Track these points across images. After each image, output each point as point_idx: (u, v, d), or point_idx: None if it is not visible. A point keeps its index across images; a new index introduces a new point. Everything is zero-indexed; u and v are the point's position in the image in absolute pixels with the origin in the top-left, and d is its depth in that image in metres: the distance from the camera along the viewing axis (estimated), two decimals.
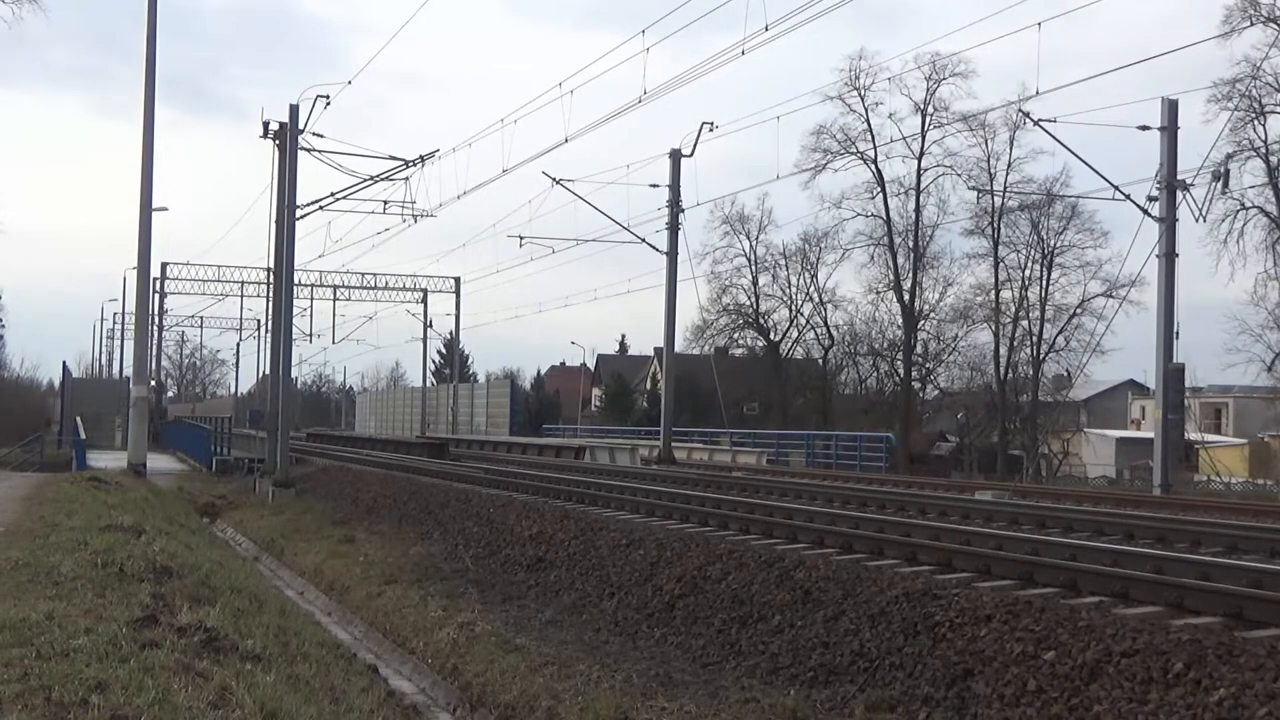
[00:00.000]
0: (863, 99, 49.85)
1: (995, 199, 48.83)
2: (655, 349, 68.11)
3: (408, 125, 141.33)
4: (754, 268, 57.75)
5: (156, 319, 56.05)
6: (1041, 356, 49.17)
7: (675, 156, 32.90)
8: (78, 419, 42.26)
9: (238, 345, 72.58)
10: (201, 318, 67.70)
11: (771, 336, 57.86)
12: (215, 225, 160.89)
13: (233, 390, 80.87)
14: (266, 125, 27.40)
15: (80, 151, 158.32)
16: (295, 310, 31.97)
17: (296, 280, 34.46)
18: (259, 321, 58.91)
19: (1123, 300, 41.36)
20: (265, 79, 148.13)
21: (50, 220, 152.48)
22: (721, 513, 14.52)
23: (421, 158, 27.80)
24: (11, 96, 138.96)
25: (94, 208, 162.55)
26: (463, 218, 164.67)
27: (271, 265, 30.46)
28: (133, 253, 26.77)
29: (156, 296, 53.41)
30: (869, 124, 50.13)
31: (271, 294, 31.78)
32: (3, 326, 64.37)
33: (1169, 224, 25.95)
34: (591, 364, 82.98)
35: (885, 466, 36.53)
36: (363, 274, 52.47)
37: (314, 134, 27.14)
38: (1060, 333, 49.15)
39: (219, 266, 55.49)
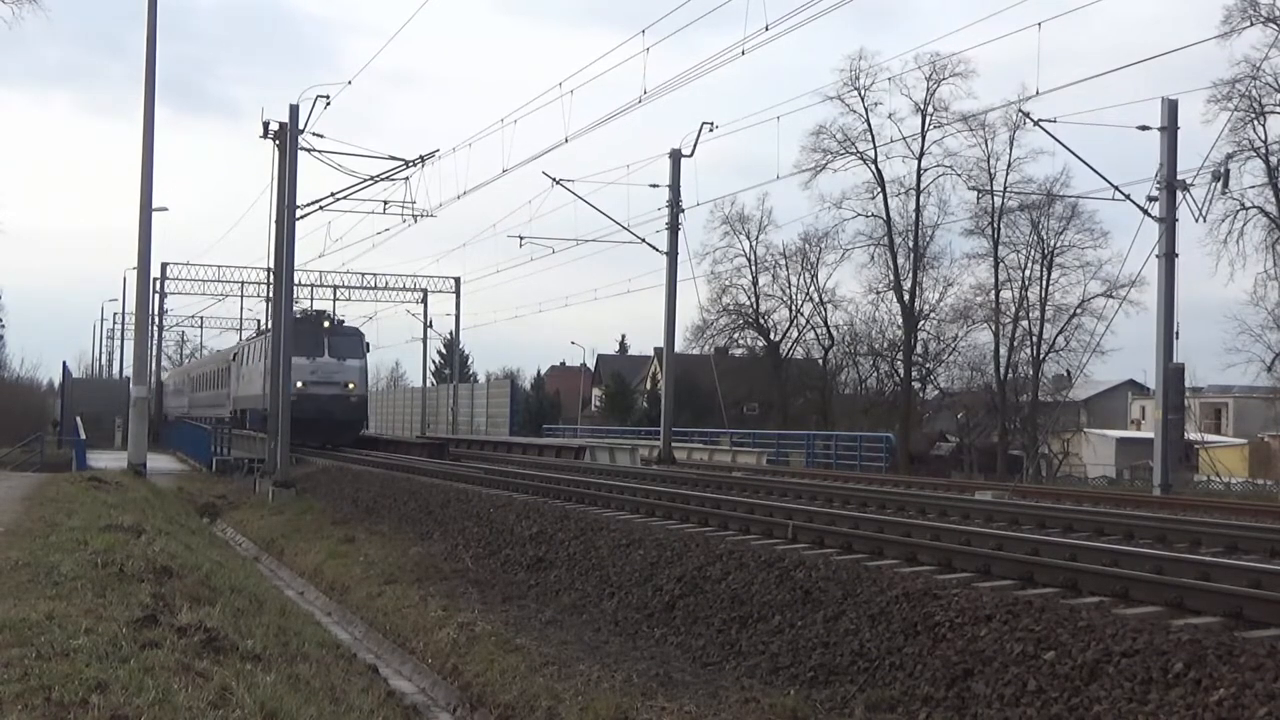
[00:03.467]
0: (862, 99, 49.84)
1: (995, 199, 48.79)
2: (655, 349, 68.11)
3: (407, 125, 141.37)
4: (754, 268, 57.75)
5: (156, 319, 56.10)
6: (1041, 356, 49.15)
7: (675, 156, 32.89)
8: (78, 419, 42.27)
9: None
10: (201, 318, 67.83)
11: (771, 336, 57.86)
12: (212, 225, 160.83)
13: None
14: (266, 125, 27.43)
15: (78, 150, 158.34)
16: (295, 310, 31.95)
17: (296, 280, 34.43)
18: (259, 321, 58.91)
19: (1123, 300, 41.35)
20: (259, 78, 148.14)
21: (50, 220, 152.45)
22: (721, 513, 14.51)
23: (421, 158, 27.82)
24: (7, 96, 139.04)
25: (94, 208, 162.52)
26: (463, 218, 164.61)
27: (271, 265, 30.46)
28: (133, 253, 26.80)
29: (156, 296, 53.48)
30: (869, 124, 50.12)
31: (271, 294, 31.79)
32: (3, 326, 64.40)
33: (1169, 224, 25.93)
34: (591, 364, 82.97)
35: (885, 466, 36.52)
36: (363, 274, 52.49)
37: (314, 134, 27.17)
38: (1060, 333, 49.15)
39: (219, 266, 55.58)
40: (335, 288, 52.95)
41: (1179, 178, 26.11)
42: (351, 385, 35.44)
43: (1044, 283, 49.25)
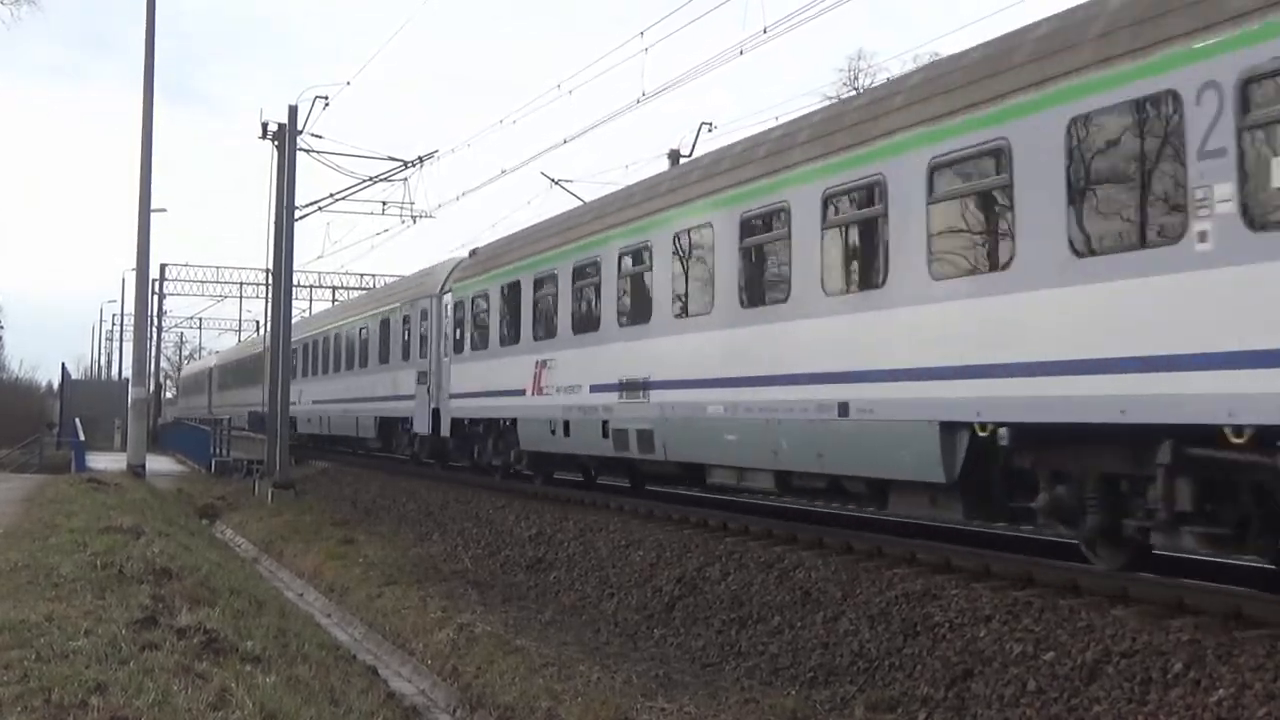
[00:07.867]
0: None
1: None
2: None
3: (407, 125, 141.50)
4: None
5: (155, 320, 56.09)
6: None
7: (674, 157, 32.88)
8: (77, 421, 42.25)
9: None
10: (201, 319, 67.89)
11: None
12: (212, 226, 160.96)
13: None
14: (265, 126, 27.44)
15: (78, 151, 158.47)
16: (295, 311, 31.95)
17: (296, 281, 34.40)
18: (258, 322, 58.96)
19: None
20: (260, 78, 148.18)
21: (50, 220, 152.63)
22: (721, 513, 14.48)
23: (420, 158, 27.85)
24: (7, 96, 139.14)
25: (94, 208, 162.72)
26: (462, 218, 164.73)
27: (271, 266, 30.47)
28: (132, 253, 26.81)
29: (155, 298, 53.49)
30: None
31: (271, 294, 31.78)
32: (1, 328, 64.37)
33: None
34: None
35: None
36: (362, 275, 52.60)
37: (313, 134, 27.22)
38: None
39: (218, 267, 55.67)
40: (335, 288, 53.05)
41: None
42: None
43: None
